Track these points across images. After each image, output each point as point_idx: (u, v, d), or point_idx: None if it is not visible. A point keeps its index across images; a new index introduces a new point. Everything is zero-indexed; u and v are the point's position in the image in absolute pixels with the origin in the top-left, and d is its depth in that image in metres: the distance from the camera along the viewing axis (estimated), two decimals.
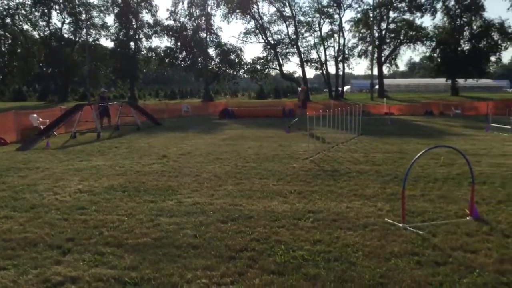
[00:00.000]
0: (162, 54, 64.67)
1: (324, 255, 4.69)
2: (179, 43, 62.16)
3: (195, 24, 61.50)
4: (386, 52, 63.88)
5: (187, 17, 61.33)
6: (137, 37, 64.72)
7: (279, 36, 62.48)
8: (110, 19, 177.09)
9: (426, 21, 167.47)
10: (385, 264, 4.43)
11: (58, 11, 62.91)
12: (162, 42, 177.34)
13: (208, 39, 62.33)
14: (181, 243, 5.10)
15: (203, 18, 61.02)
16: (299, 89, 19.00)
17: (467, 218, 5.90)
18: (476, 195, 6.91)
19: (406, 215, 5.87)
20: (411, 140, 14.91)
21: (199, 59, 62.92)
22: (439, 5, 59.77)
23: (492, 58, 61.34)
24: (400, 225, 5.61)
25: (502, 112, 24.33)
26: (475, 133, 17.32)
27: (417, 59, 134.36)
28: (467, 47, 60.45)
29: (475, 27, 59.74)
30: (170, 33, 62.10)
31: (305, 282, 4.05)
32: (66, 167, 10.32)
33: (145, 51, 66.79)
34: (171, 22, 62.14)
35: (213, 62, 64.36)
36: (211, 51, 63.91)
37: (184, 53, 63.11)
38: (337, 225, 5.69)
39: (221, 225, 5.77)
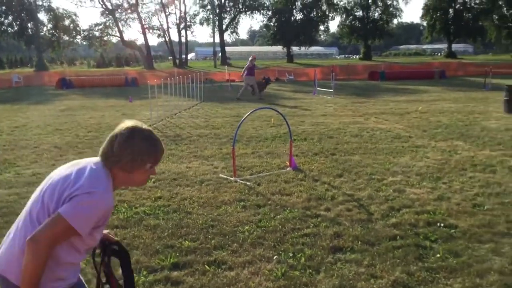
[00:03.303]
0: None
1: (164, 208, 5.25)
2: (3, 7, 55.78)
3: None
4: (227, 21, 65.54)
5: None
6: None
7: (117, 1, 59.82)
8: None
9: None
10: (217, 211, 5.15)
11: None
12: None
13: (37, 3, 57.04)
14: None
15: None
16: (250, 58, 18.74)
17: (287, 168, 6.95)
18: (297, 149, 8.09)
19: (237, 170, 6.70)
20: (248, 105, 16.08)
21: (29, 24, 57.40)
22: None
23: (321, 27, 67.04)
24: (232, 178, 6.41)
25: (328, 77, 27.06)
26: (304, 96, 19.27)
27: (256, 27, 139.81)
28: (300, 17, 64.98)
29: None
30: None
31: (146, 231, 4.57)
32: None
33: None
34: None
35: (45, 28, 59.34)
36: (42, 16, 58.82)
37: (10, 18, 56.94)
38: (177, 183, 6.28)
39: None
